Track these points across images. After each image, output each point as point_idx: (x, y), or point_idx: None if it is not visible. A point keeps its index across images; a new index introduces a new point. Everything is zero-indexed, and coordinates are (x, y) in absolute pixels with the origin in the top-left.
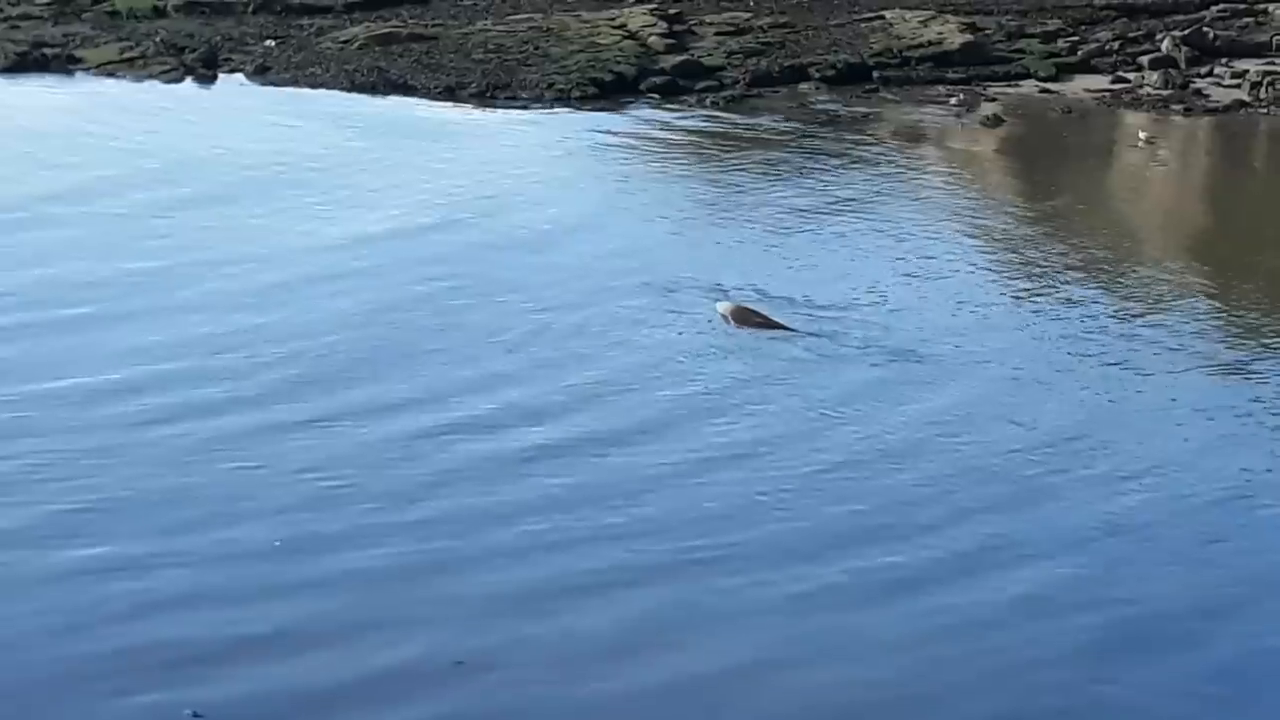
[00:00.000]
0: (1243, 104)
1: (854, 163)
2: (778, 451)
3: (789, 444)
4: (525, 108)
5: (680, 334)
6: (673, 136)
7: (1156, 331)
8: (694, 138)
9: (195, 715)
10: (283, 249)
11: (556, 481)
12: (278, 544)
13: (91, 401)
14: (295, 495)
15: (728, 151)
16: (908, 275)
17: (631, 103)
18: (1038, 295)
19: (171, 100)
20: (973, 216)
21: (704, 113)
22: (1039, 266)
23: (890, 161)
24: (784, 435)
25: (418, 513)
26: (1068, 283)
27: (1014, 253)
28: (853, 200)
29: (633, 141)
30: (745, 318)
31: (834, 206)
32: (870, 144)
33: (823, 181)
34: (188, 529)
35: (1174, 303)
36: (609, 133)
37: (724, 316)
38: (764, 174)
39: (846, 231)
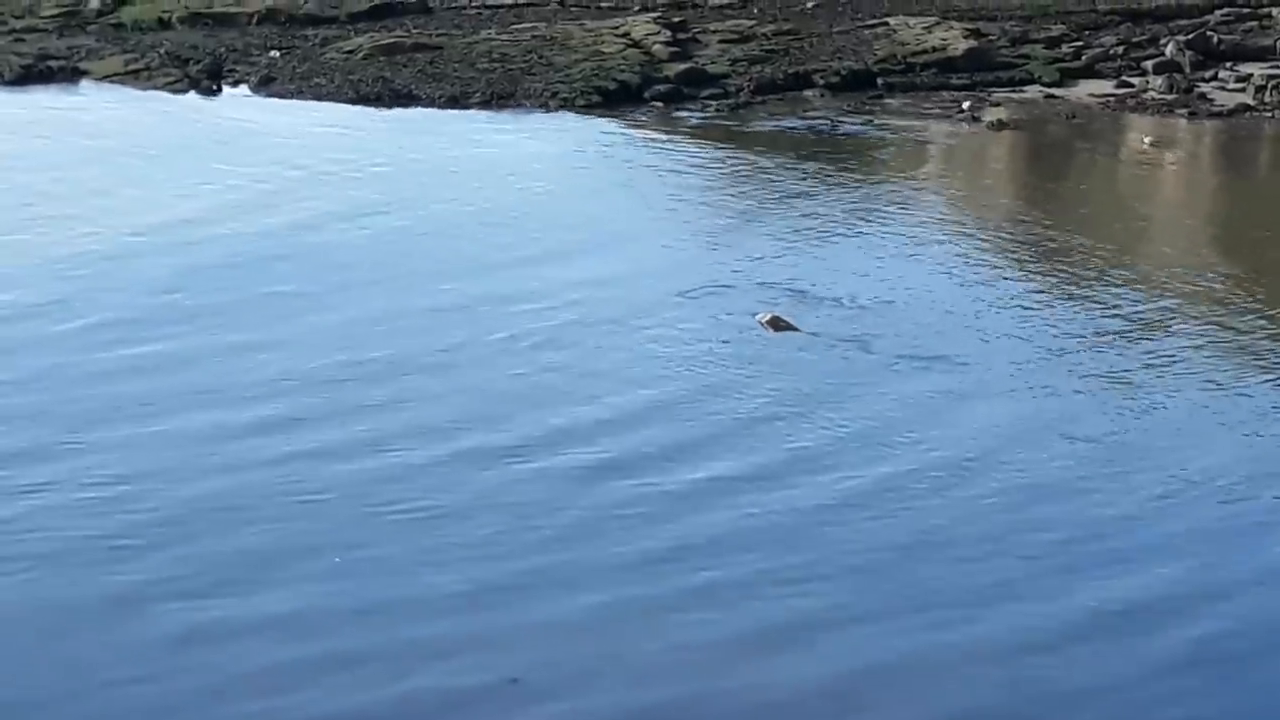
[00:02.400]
0: (1247, 108)
1: (861, 169)
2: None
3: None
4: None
5: (725, 343)
6: (681, 144)
7: (1170, 337)
8: (702, 145)
9: None
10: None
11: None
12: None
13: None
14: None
15: (736, 159)
16: (923, 279)
17: (636, 111)
18: (1057, 299)
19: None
20: (984, 222)
21: (709, 120)
22: (1050, 271)
23: (897, 167)
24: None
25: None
26: (1079, 287)
27: (1023, 257)
28: (863, 206)
29: (642, 150)
30: (781, 326)
31: (845, 212)
32: (876, 150)
33: (832, 188)
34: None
35: (1189, 307)
36: (618, 141)
37: (763, 325)
38: (774, 181)
39: (860, 236)
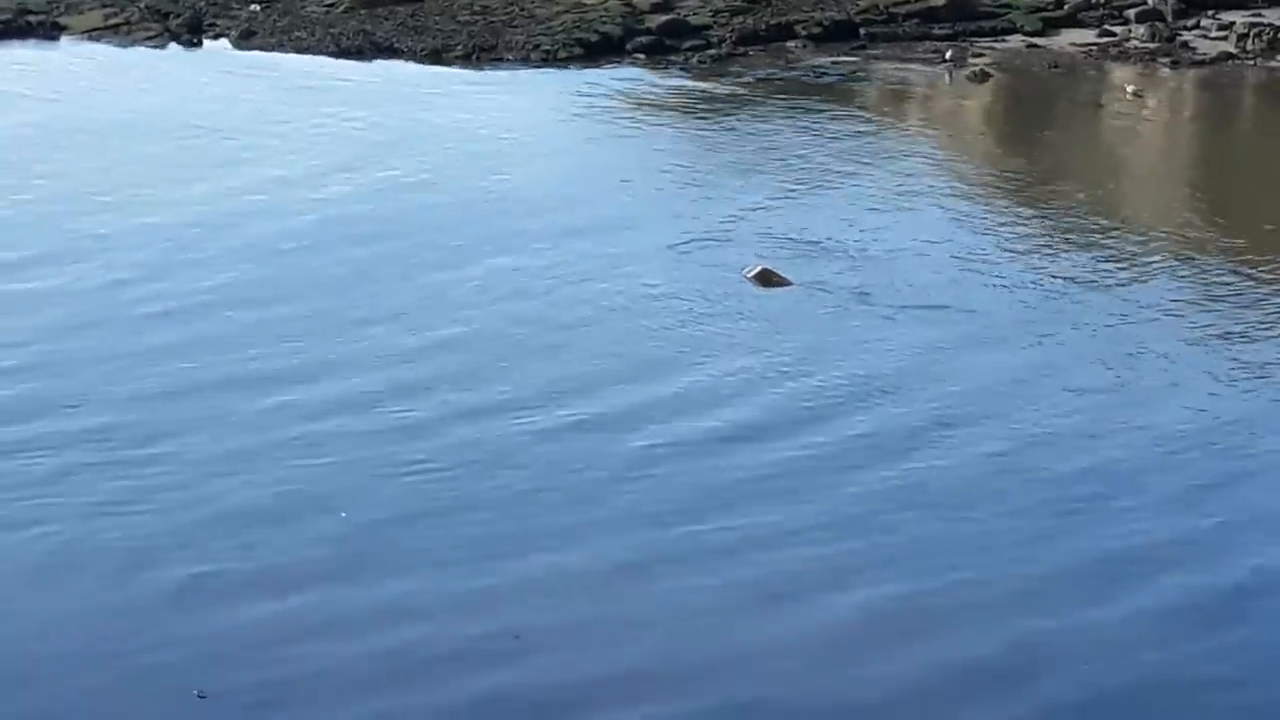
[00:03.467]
0: (1230, 56)
1: (844, 120)
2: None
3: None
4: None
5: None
6: (665, 96)
7: (1150, 289)
8: (685, 97)
9: (200, 695)
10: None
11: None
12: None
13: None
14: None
15: (719, 111)
16: (912, 228)
17: (618, 63)
18: (1048, 248)
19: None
20: (969, 172)
21: (692, 72)
22: (1037, 220)
23: (880, 118)
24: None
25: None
26: (1062, 235)
27: (1010, 206)
28: (848, 157)
29: (627, 103)
30: (773, 280)
31: (830, 164)
32: (859, 101)
33: (815, 139)
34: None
35: (1172, 257)
36: (603, 94)
37: (751, 280)
38: (756, 132)
39: (847, 188)
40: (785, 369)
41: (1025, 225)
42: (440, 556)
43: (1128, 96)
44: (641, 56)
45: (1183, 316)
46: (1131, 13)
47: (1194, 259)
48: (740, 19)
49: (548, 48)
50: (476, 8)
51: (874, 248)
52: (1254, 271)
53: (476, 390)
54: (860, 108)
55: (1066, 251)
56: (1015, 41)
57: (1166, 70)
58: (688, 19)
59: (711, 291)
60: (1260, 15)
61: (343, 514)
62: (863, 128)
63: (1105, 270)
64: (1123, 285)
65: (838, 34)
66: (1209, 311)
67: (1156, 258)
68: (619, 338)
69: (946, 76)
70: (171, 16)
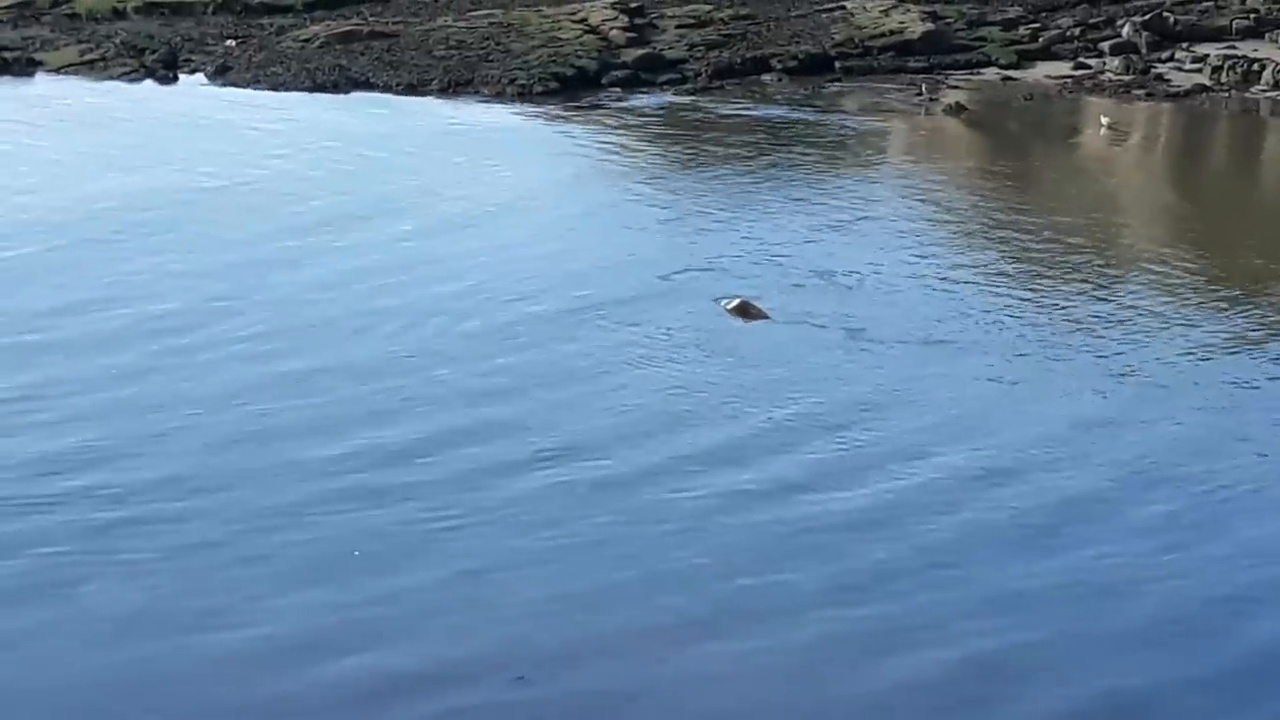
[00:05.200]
0: (1204, 88)
1: (820, 153)
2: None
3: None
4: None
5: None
6: (641, 131)
7: (1132, 313)
8: (662, 131)
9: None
10: None
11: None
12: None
13: None
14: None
15: (695, 144)
16: (884, 262)
17: (595, 97)
18: (1029, 280)
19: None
20: (943, 204)
21: (668, 105)
22: (1017, 251)
23: (856, 151)
24: None
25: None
26: (1041, 266)
27: (983, 239)
28: (824, 192)
29: (605, 136)
30: (753, 314)
31: (808, 199)
32: (835, 134)
33: (792, 175)
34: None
35: (1159, 286)
36: (582, 128)
37: (730, 313)
38: (733, 165)
39: (821, 221)
40: (756, 408)
41: (1003, 257)
42: (463, 614)
43: (1104, 129)
44: (618, 90)
45: (1173, 342)
46: (1106, 46)
47: (1180, 286)
48: (716, 53)
49: (523, 82)
50: (452, 42)
51: (852, 280)
52: (1235, 295)
53: (491, 445)
54: (835, 141)
55: (1048, 281)
56: (990, 74)
57: (1141, 102)
58: (663, 53)
59: (692, 325)
60: (1234, 48)
61: (355, 552)
62: (837, 161)
63: (1088, 300)
64: (1108, 314)
65: (813, 67)
66: (1195, 333)
67: (1143, 288)
68: (603, 381)
69: (922, 110)
70: (147, 53)
